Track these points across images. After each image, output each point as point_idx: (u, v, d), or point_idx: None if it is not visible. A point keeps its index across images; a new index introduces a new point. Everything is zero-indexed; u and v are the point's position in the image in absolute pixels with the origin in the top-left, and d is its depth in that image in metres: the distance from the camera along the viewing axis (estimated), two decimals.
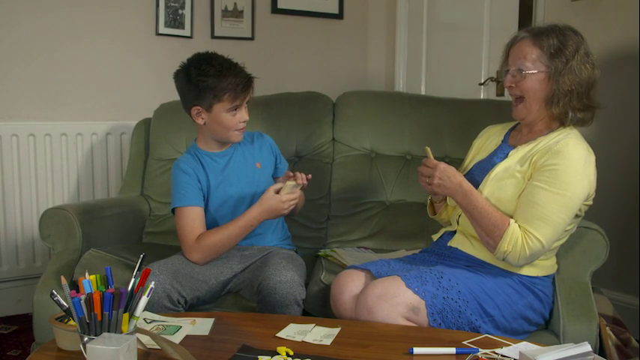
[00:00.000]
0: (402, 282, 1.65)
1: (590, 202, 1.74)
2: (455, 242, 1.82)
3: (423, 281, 1.65)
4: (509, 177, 1.73)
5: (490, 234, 1.67)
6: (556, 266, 1.81)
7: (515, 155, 1.76)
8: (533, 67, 1.71)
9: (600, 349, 1.78)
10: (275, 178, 2.15)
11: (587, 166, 1.68)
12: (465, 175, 1.83)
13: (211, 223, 2.02)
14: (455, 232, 1.85)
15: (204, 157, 2.06)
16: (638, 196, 2.60)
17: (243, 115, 2.00)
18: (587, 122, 1.75)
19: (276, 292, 1.78)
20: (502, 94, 3.11)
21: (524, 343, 1.46)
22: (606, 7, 2.71)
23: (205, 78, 1.93)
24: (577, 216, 1.73)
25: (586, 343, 1.32)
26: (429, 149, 1.79)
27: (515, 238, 1.64)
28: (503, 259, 1.68)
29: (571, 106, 1.71)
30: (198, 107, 1.98)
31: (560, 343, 1.72)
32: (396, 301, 1.62)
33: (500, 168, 1.77)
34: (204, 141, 2.08)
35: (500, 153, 1.84)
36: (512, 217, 1.68)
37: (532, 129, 1.80)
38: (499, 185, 1.74)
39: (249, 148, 2.13)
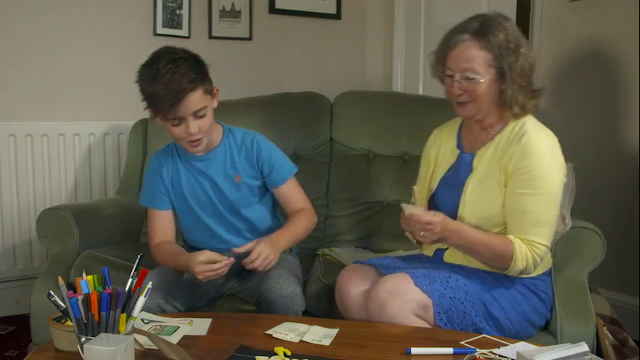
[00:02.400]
0: (410, 279, 1.62)
1: (565, 180, 1.71)
2: (449, 257, 1.78)
3: (431, 280, 1.63)
4: (485, 191, 1.70)
5: (499, 262, 1.65)
6: (551, 260, 1.81)
7: (481, 165, 1.73)
8: (485, 73, 1.64)
9: (597, 349, 1.79)
10: (275, 190, 1.97)
11: (555, 153, 1.66)
12: (433, 196, 1.80)
13: (192, 224, 1.97)
14: (446, 247, 1.79)
15: (182, 157, 1.92)
16: (638, 195, 2.61)
17: (189, 127, 1.72)
18: (539, 106, 1.71)
19: (276, 306, 1.74)
20: None
21: (522, 343, 1.46)
22: (604, 8, 2.70)
23: (139, 83, 1.76)
24: None
25: (583, 343, 1.32)
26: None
27: (524, 253, 1.63)
28: (519, 275, 1.67)
29: (527, 98, 1.67)
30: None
31: (558, 343, 1.72)
32: (408, 297, 1.60)
33: (471, 185, 1.72)
34: None
35: (464, 165, 1.78)
36: (505, 232, 1.66)
37: (483, 124, 1.75)
38: (477, 204, 1.70)
39: (233, 157, 1.91)
